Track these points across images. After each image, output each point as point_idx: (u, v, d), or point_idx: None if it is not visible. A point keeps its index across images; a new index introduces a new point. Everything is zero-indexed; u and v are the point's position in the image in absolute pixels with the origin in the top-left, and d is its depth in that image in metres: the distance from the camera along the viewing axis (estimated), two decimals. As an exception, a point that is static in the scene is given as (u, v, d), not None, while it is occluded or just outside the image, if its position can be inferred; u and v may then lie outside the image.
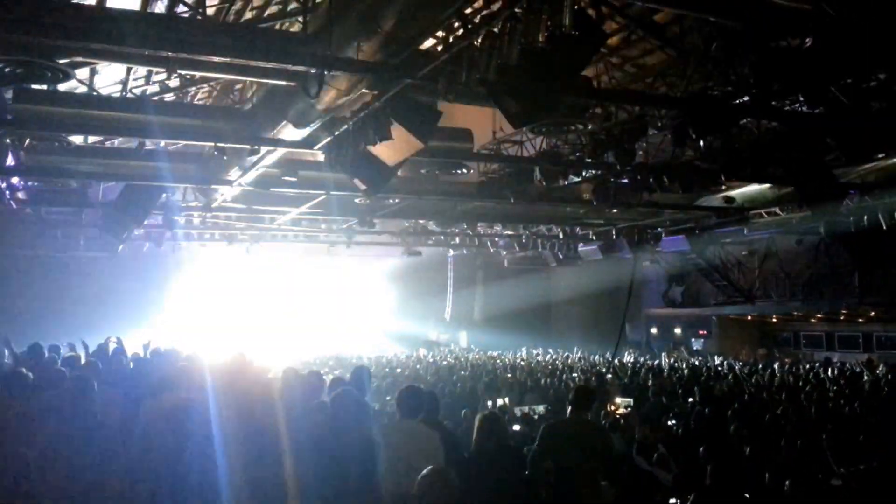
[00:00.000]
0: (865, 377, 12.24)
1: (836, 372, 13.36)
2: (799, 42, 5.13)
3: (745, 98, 6.95)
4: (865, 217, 11.75)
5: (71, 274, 17.04)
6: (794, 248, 17.38)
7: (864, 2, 4.68)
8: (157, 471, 4.38)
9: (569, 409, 4.62)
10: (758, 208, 12.85)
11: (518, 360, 18.24)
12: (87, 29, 4.90)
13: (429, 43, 6.09)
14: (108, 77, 9.09)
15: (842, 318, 19.72)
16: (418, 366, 16.04)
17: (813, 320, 20.95)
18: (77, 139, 9.29)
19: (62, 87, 7.05)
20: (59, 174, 10.07)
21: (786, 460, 5.29)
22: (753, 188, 11.70)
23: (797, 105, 7.34)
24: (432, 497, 2.90)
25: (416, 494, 2.96)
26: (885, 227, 11.65)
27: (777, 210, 12.75)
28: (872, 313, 18.45)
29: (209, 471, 4.10)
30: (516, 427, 7.44)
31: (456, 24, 5.36)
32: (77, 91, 8.12)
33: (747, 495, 4.64)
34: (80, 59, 5.91)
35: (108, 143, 10.28)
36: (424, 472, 3.03)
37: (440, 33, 5.89)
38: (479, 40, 4.81)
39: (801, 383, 11.49)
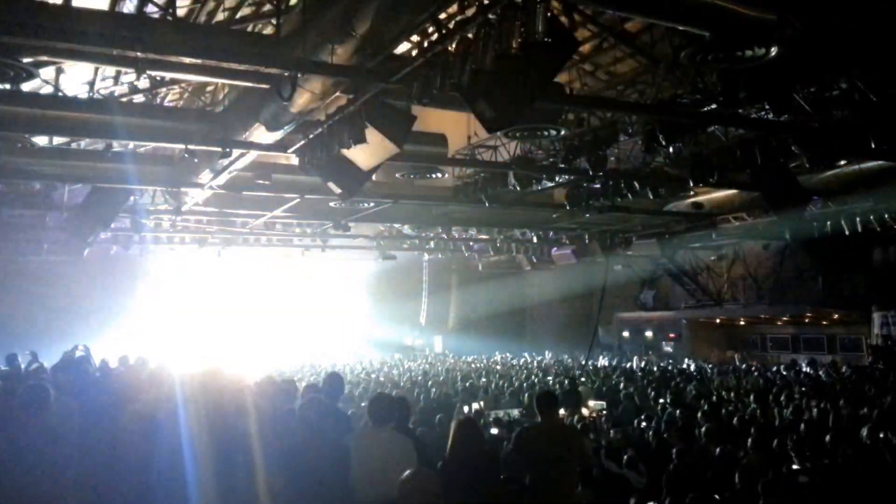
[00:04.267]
0: (826, 378, 12.56)
1: (801, 374, 13.68)
2: (764, 52, 5.26)
3: (713, 106, 7.10)
4: (829, 223, 12.09)
5: (34, 280, 16.53)
6: (761, 252, 17.80)
7: (827, 14, 4.82)
8: (126, 482, 4.28)
9: (537, 414, 4.66)
10: (725, 213, 13.12)
11: (493, 365, 18.28)
12: (53, 27, 4.78)
13: (403, 47, 6.10)
14: (75, 77, 8.88)
15: (807, 321, 20.23)
16: (394, 371, 15.98)
17: (779, 323, 21.45)
18: (41, 140, 9.05)
19: (26, 86, 6.86)
20: (22, 176, 9.80)
21: (754, 460, 5.39)
22: (721, 194, 11.95)
23: (763, 113, 7.53)
24: (416, 499, 2.90)
25: (399, 497, 2.96)
26: (847, 233, 12.00)
27: (744, 215, 13.03)
28: (836, 316, 18.97)
29: (179, 481, 4.02)
30: (494, 430, 7.48)
31: (430, 29, 5.37)
32: (42, 91, 7.92)
33: (717, 496, 4.72)
34: (44, 58, 5.77)
35: (73, 145, 10.03)
36: (406, 474, 3.02)
37: (415, 38, 5.90)
38: (454, 45, 4.83)
39: (767, 384, 11.74)
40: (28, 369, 8.02)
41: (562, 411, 8.72)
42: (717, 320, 22.33)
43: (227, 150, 7.67)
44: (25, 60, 5.50)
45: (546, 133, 8.01)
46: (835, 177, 9.84)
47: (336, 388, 4.98)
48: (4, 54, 5.21)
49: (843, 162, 9.55)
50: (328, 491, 3.68)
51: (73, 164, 9.42)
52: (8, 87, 6.51)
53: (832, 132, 7.54)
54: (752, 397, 9.80)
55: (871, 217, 11.61)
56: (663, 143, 7.53)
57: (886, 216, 11.46)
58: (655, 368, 16.17)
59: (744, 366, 16.83)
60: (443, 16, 5.19)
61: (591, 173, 9.34)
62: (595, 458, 5.69)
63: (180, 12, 7.21)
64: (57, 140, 9.52)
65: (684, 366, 16.98)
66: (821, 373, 13.75)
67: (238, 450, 4.32)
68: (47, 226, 14.54)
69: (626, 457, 5.75)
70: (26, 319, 15.37)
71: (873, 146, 7.45)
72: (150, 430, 4.32)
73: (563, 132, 8.44)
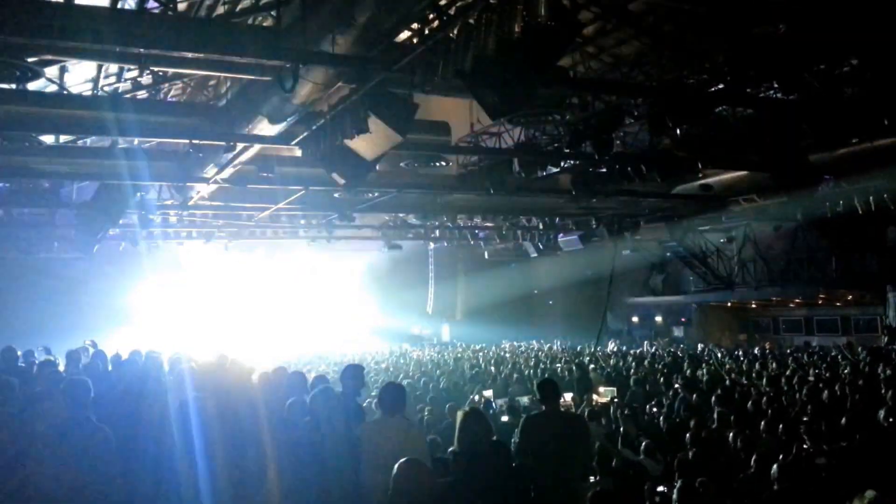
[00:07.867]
0: (841, 360, 12.45)
1: (815, 357, 13.57)
2: (772, 29, 5.16)
3: (720, 86, 7.00)
4: (841, 202, 11.94)
5: (44, 276, 16.69)
6: (772, 234, 17.60)
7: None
8: (139, 472, 4.32)
9: (541, 404, 4.64)
10: (735, 195, 12.97)
11: (501, 353, 18.29)
12: (56, 26, 4.77)
13: (405, 35, 6.04)
14: (79, 75, 8.87)
15: (820, 302, 20.04)
16: (402, 361, 16.03)
17: (791, 305, 21.27)
18: (48, 138, 9.07)
19: (31, 85, 6.87)
20: (31, 174, 9.85)
21: (769, 444, 5.36)
22: (730, 175, 11.81)
23: (772, 92, 7.42)
24: (408, 486, 2.91)
25: (392, 485, 2.97)
26: (860, 212, 11.85)
27: (754, 197, 12.88)
28: (850, 297, 18.76)
29: (191, 473, 4.04)
30: (504, 418, 7.47)
31: (431, 16, 5.31)
32: (47, 90, 7.92)
33: (733, 480, 4.70)
34: (49, 56, 5.76)
35: (80, 142, 10.06)
36: (400, 462, 3.03)
37: (416, 25, 5.83)
38: (455, 32, 4.77)
39: (780, 366, 11.66)
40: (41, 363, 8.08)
41: (569, 397, 8.73)
42: (728, 304, 22.18)
43: (232, 143, 7.66)
44: (30, 60, 5.49)
45: (550, 118, 7.93)
46: (847, 155, 9.67)
47: (356, 380, 4.82)
48: (10, 54, 5.21)
49: (855, 140, 9.39)
50: (337, 481, 3.68)
51: (79, 161, 9.46)
52: (14, 86, 6.53)
53: (843, 109, 7.41)
54: (765, 380, 9.75)
55: (885, 195, 11.45)
56: (670, 125, 7.43)
57: (900, 194, 11.31)
58: (666, 353, 16.11)
59: (755, 349, 16.73)
60: (443, 2, 5.12)
61: (596, 157, 9.25)
62: (607, 444, 5.68)
63: (180, 7, 7.17)
64: (63, 138, 9.55)
65: (695, 350, 16.90)
66: (835, 354, 13.64)
67: (249, 441, 4.34)
68: (56, 223, 14.65)
69: (643, 444, 5.73)
70: (37, 315, 15.53)
71: (886, 123, 7.33)
72: (162, 422, 4.34)
73: (567, 117, 8.36)
